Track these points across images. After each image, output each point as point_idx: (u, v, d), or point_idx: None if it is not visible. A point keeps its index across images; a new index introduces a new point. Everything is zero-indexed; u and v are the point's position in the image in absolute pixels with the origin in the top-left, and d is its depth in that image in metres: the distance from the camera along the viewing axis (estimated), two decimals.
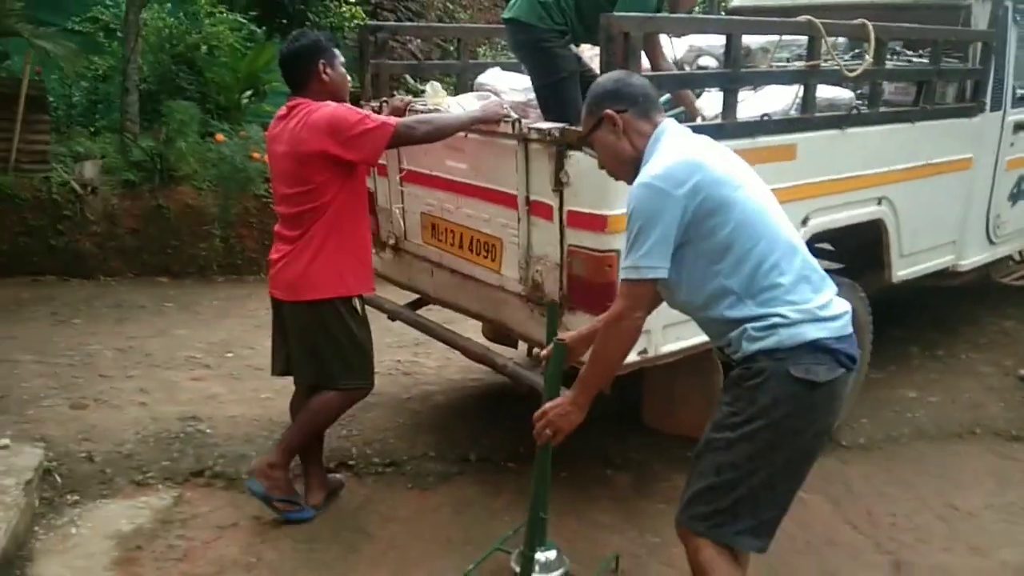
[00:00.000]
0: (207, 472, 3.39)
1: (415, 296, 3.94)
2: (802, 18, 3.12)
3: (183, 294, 6.05)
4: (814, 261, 2.08)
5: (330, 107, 2.84)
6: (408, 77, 6.19)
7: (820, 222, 3.39)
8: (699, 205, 1.94)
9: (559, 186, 2.77)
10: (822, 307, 1.99)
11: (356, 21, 9.86)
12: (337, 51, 2.99)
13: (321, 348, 3.00)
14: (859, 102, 3.52)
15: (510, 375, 3.16)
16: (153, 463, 3.41)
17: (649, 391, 3.48)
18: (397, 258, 3.82)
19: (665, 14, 3.14)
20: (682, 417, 3.39)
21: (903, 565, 3.03)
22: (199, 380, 4.32)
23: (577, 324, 2.80)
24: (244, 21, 8.74)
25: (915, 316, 5.28)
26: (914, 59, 3.94)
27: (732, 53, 2.89)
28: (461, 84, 4.16)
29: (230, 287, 6.38)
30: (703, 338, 3.03)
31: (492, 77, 4.03)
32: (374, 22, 3.72)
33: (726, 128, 2.94)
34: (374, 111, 3.65)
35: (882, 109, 3.57)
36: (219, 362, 4.62)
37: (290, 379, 3.25)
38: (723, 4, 5.29)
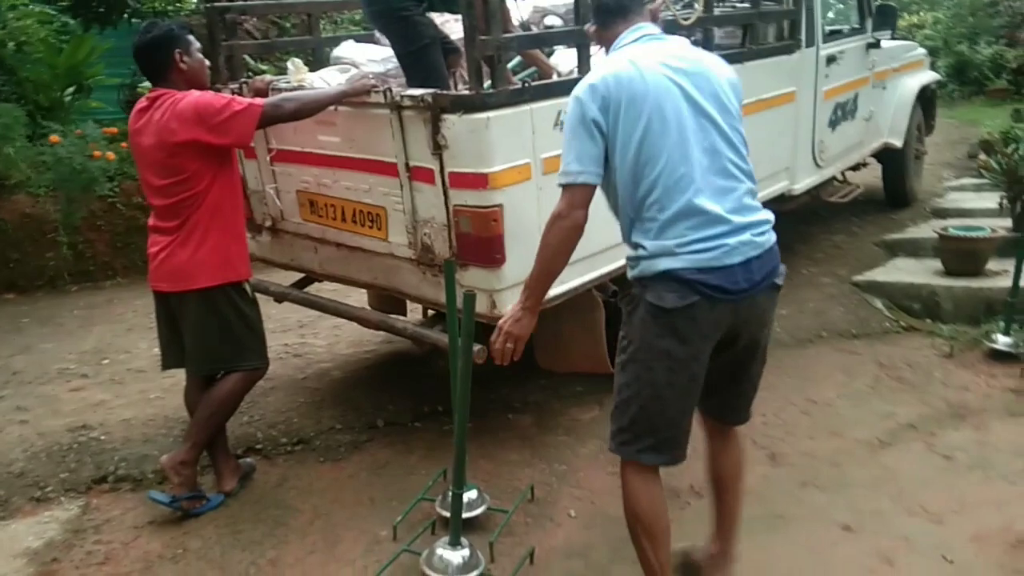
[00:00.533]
0: (110, 477, 3.32)
1: (299, 275, 3.96)
2: None
3: (38, 308, 5.71)
4: (730, 190, 2.15)
5: (194, 95, 2.83)
6: (248, 58, 6.04)
7: None
8: (611, 122, 2.10)
9: (438, 150, 2.89)
10: (689, 243, 2.09)
11: (178, 4, 9.43)
12: (192, 38, 2.95)
13: (216, 334, 3.01)
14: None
15: (411, 336, 3.29)
16: (50, 477, 3.30)
17: (539, 335, 3.68)
18: (276, 239, 3.82)
19: None
20: (571, 355, 3.65)
21: (777, 455, 3.43)
22: (79, 390, 4.16)
23: (471, 280, 2.96)
24: (54, 13, 8.16)
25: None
26: (737, 5, 4.31)
27: (581, 11, 3.10)
28: (317, 60, 4.17)
29: (87, 295, 6.07)
30: (582, 279, 3.31)
31: (348, 50, 4.07)
32: (220, 3, 3.61)
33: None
34: (235, 94, 3.63)
35: (715, 53, 3.90)
36: (96, 370, 4.44)
37: (178, 375, 3.24)
38: None
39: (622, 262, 3.43)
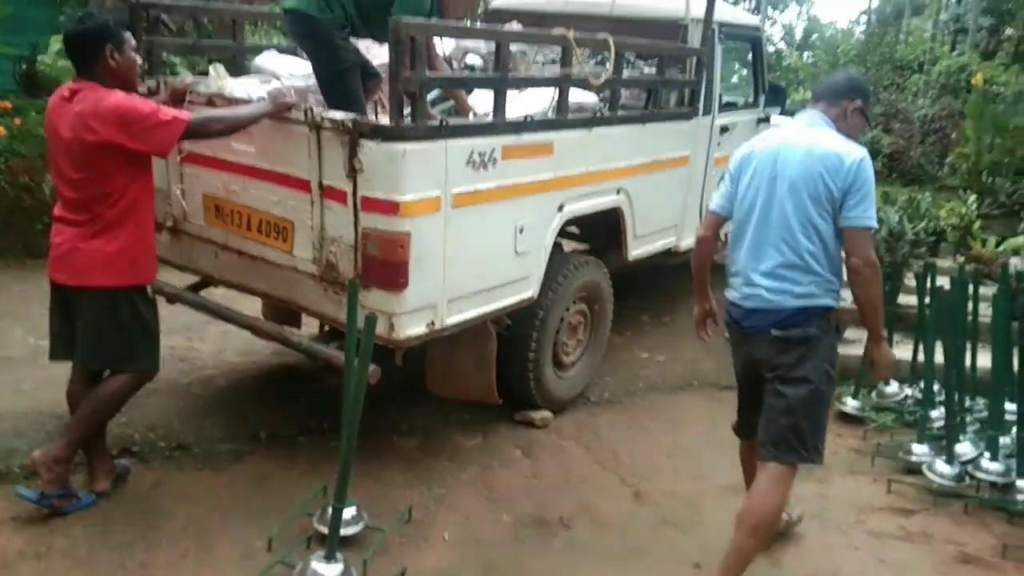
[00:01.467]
0: None
1: (194, 279, 3.94)
2: (557, 31, 3.59)
3: None
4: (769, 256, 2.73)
5: (119, 97, 2.81)
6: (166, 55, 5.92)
7: (572, 208, 3.91)
8: None
9: (353, 173, 2.99)
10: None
11: None
12: (128, 35, 2.93)
13: (111, 334, 2.98)
14: (601, 105, 4.10)
15: (306, 351, 3.34)
16: None
17: (431, 361, 3.81)
18: (175, 240, 3.80)
19: (437, 21, 3.46)
20: (462, 383, 3.79)
21: (641, 493, 3.66)
22: None
23: (373, 301, 3.06)
24: None
25: (645, 289, 6.13)
26: (644, 68, 4.62)
27: (502, 60, 3.28)
28: (237, 66, 4.18)
29: None
30: (481, 310, 3.47)
31: (270, 60, 4.11)
32: (143, 4, 3.59)
33: (496, 126, 3.34)
34: (151, 90, 3.61)
35: (620, 112, 4.18)
36: None
37: (54, 368, 3.18)
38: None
39: (517, 298, 3.65)
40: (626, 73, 4.30)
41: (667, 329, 5.72)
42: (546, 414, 4.15)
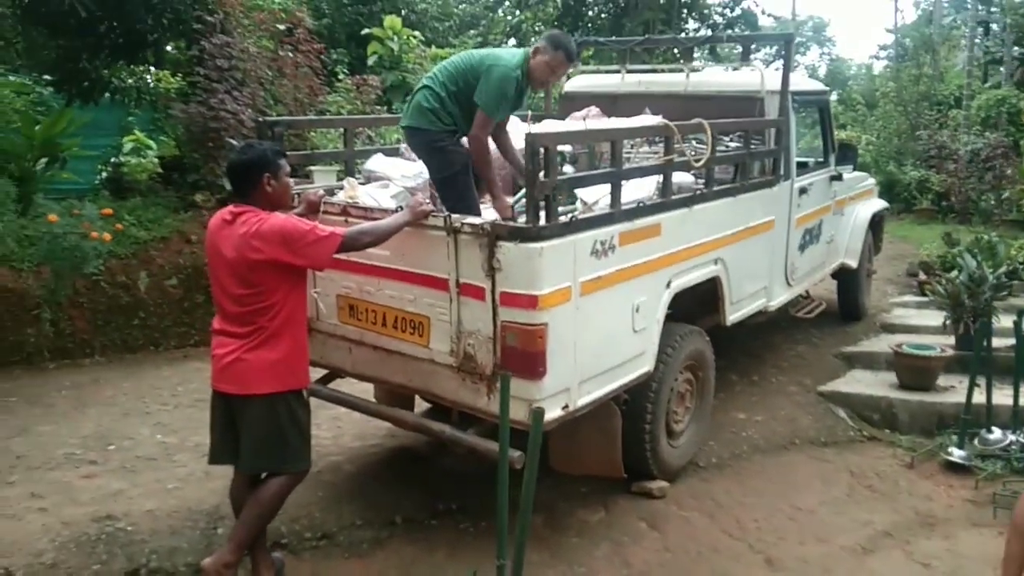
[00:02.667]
0: (142, 570, 3.39)
1: (324, 371, 4.15)
2: (660, 122, 3.81)
3: (21, 387, 5.65)
4: None
5: (279, 219, 3.04)
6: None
7: (679, 283, 4.08)
8: None
9: (491, 271, 3.20)
10: None
11: (163, 85, 9.67)
12: (283, 161, 3.18)
13: (273, 439, 3.14)
14: (699, 183, 4.29)
15: (449, 439, 3.50)
16: (82, 569, 3.34)
17: (555, 441, 3.94)
18: (309, 338, 4.01)
19: (563, 127, 3.69)
20: (588, 459, 3.92)
21: (773, 560, 3.73)
22: (92, 478, 4.17)
23: (513, 390, 3.20)
24: (30, 83, 8.30)
25: (729, 349, 6.23)
26: (729, 143, 4.82)
27: (617, 155, 3.50)
28: (348, 170, 4.46)
29: (69, 374, 6.03)
30: (606, 390, 3.62)
31: (379, 164, 4.39)
32: (271, 118, 3.90)
33: (614, 215, 3.54)
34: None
35: (714, 188, 4.36)
36: (104, 456, 4.46)
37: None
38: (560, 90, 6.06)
39: (637, 373, 3.79)
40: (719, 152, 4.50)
41: (757, 388, 5.80)
42: (663, 484, 4.24)
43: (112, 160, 8.07)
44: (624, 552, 3.71)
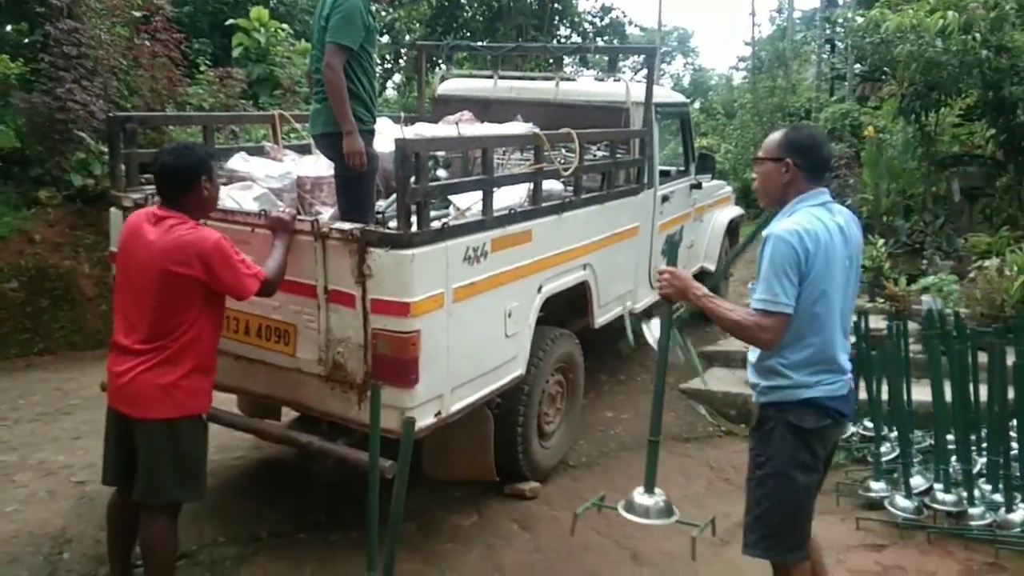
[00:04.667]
0: None
1: None
2: (530, 130, 3.87)
3: None
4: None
5: (212, 238, 2.84)
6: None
7: (549, 288, 4.16)
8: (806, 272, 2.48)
9: (362, 278, 3.14)
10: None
11: (1, 70, 8.91)
12: (216, 165, 3.02)
13: (170, 465, 2.91)
14: (568, 191, 4.39)
15: (318, 451, 3.41)
16: None
17: (428, 447, 3.92)
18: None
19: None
20: (460, 464, 3.93)
21: (639, 555, 3.86)
22: None
23: (385, 399, 3.16)
24: None
25: (597, 351, 6.40)
26: (596, 152, 4.95)
27: (488, 163, 3.53)
28: None
29: None
30: (480, 393, 3.64)
31: (241, 164, 4.21)
32: (122, 113, 3.66)
33: (486, 222, 3.57)
34: (137, 204, 3.66)
35: (583, 195, 4.47)
36: None
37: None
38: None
39: (509, 377, 3.84)
40: (587, 160, 4.61)
41: (624, 387, 6.00)
42: (535, 485, 4.31)
43: None
44: (497, 555, 3.74)
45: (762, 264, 2.52)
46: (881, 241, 8.06)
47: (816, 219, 2.54)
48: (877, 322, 6.03)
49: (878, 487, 4.41)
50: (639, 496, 3.03)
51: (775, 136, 2.73)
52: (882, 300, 6.86)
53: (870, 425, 5.00)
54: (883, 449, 4.63)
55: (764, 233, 2.60)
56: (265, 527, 3.82)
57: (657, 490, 3.03)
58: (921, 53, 8.19)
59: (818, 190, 2.63)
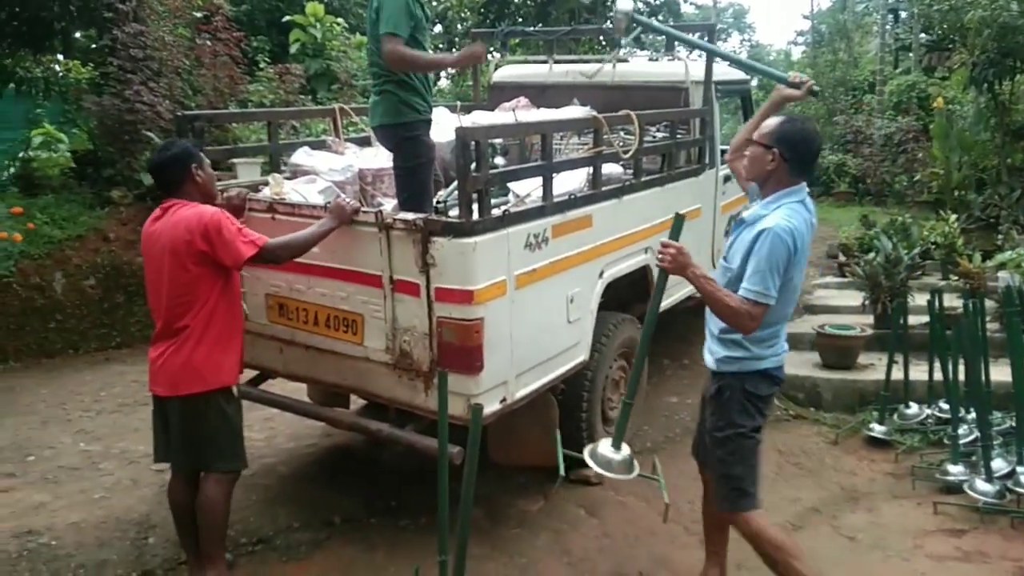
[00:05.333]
0: None
1: (255, 373, 4.05)
2: (588, 114, 3.83)
3: None
4: None
5: (209, 211, 3.01)
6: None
7: (611, 273, 4.13)
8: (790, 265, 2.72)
9: (425, 267, 3.17)
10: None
11: (73, 76, 9.25)
12: (203, 155, 3.16)
13: (201, 437, 3.11)
14: (628, 174, 4.34)
15: (387, 439, 3.46)
16: None
17: (494, 433, 3.95)
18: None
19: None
20: (526, 450, 3.94)
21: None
22: (11, 491, 3.99)
23: (451, 386, 3.20)
24: None
25: (660, 335, 6.33)
26: (656, 133, 4.89)
27: (547, 148, 3.51)
28: (273, 164, 4.35)
29: None
30: (543, 381, 3.64)
31: (305, 158, 4.28)
32: (191, 112, 3.78)
33: (546, 208, 3.56)
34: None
35: (643, 178, 4.42)
36: (23, 468, 4.27)
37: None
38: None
39: (572, 363, 3.83)
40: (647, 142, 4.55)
41: (688, 372, 5.93)
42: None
43: (20, 155, 7.68)
44: (564, 540, 3.76)
45: (758, 257, 2.68)
46: (953, 216, 7.78)
47: (800, 217, 2.75)
48: (951, 300, 5.83)
49: (956, 470, 4.27)
50: (605, 448, 3.02)
51: (771, 122, 2.86)
52: (956, 278, 6.63)
53: (946, 407, 4.85)
54: (960, 431, 4.48)
55: (760, 227, 2.71)
56: (337, 513, 3.90)
57: (624, 446, 3.02)
58: (995, 18, 7.84)
59: (800, 185, 2.82)
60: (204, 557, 3.15)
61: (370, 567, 3.50)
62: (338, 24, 10.93)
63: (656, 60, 6.48)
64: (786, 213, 2.74)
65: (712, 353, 2.98)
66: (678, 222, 2.85)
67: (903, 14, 18.26)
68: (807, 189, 2.86)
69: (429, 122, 3.59)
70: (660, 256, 2.79)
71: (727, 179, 5.61)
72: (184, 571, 3.33)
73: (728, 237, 3.01)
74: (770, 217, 2.74)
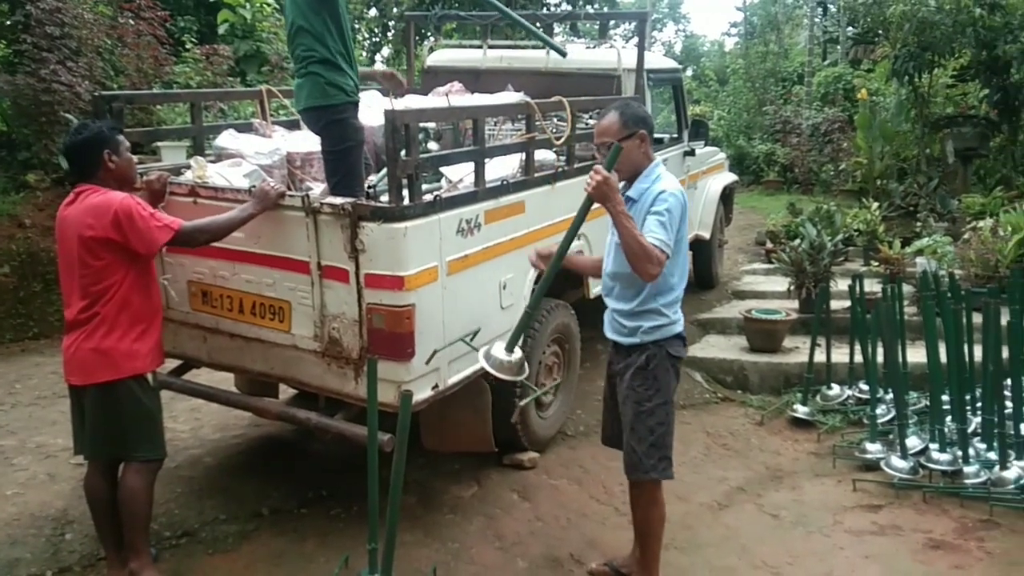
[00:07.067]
0: None
1: (177, 363, 3.94)
2: (521, 100, 3.82)
3: None
4: None
5: (117, 198, 2.91)
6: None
7: None
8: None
9: (355, 253, 3.12)
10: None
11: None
12: (121, 137, 3.03)
13: (113, 425, 3.03)
14: (560, 160, 4.36)
15: (316, 427, 3.40)
16: None
17: (426, 419, 3.93)
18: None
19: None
20: (459, 436, 3.93)
21: None
22: None
23: (381, 372, 3.16)
24: None
25: (593, 319, 6.40)
26: (588, 120, 4.91)
27: (479, 133, 3.49)
28: (197, 147, 4.22)
29: None
30: (477, 366, 3.62)
31: (230, 141, 4.16)
32: (106, 92, 3.62)
33: (479, 193, 3.54)
34: None
35: (575, 165, 4.44)
36: None
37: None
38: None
39: None
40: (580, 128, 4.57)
41: None
42: (533, 455, 4.33)
43: None
44: (497, 525, 3.77)
45: (657, 212, 2.82)
46: (875, 204, 8.06)
47: (676, 183, 2.96)
48: (872, 285, 6.05)
49: (874, 449, 4.44)
50: (498, 351, 3.04)
51: (613, 118, 2.95)
52: (876, 263, 6.88)
53: (865, 387, 5.04)
54: (879, 411, 4.66)
55: (655, 191, 2.87)
56: (266, 504, 3.83)
57: (517, 350, 3.06)
58: (914, 13, 8.13)
59: (656, 159, 3.03)
60: (127, 549, 3.06)
61: (299, 557, 3.45)
62: (268, 5, 10.64)
63: (591, 47, 6.51)
64: (668, 180, 2.93)
65: (626, 329, 3.04)
66: (615, 151, 2.84)
67: (831, 7, 18.78)
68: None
69: (357, 104, 3.52)
70: (588, 181, 2.81)
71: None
72: (103, 567, 3.23)
73: None
74: (657, 185, 2.90)
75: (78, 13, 7.37)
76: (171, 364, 3.94)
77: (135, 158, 3.14)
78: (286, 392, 4.53)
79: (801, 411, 5.10)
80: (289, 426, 4.37)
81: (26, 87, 6.84)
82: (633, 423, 3.05)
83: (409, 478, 4.13)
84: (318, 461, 4.30)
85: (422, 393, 3.30)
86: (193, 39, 9.42)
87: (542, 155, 4.19)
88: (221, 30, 10.06)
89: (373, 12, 14.86)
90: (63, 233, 2.96)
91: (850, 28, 16.54)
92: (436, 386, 3.39)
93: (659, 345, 2.98)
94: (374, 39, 15.52)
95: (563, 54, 5.27)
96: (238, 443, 4.50)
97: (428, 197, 3.26)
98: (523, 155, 3.93)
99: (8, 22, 8.02)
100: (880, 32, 9.97)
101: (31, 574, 3.22)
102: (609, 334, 3.13)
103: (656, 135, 6.06)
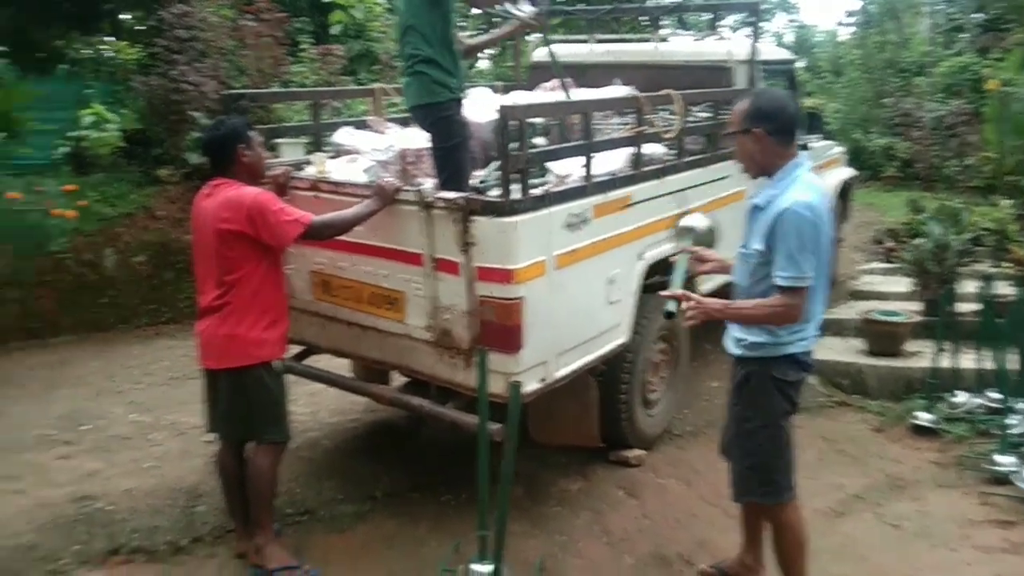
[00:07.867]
0: (123, 549, 3.38)
1: (299, 348, 4.12)
2: (630, 93, 3.80)
3: None
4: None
5: (252, 193, 3.07)
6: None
7: (651, 255, 4.09)
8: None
9: (466, 246, 3.19)
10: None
11: (122, 56, 9.40)
12: (254, 133, 3.21)
13: (242, 409, 3.21)
14: (669, 154, 4.30)
15: (428, 415, 3.50)
16: (62, 550, 3.33)
17: (534, 412, 3.97)
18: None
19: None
20: (566, 430, 3.96)
21: None
22: (67, 459, 4.14)
23: (491, 364, 3.22)
24: None
25: None
26: (698, 113, 4.82)
27: (588, 127, 3.50)
28: (316, 144, 4.40)
29: (36, 354, 5.95)
30: (583, 361, 3.64)
31: (347, 137, 4.32)
32: (235, 91, 3.83)
33: (587, 188, 3.54)
34: None
35: (685, 159, 4.37)
36: (77, 437, 4.42)
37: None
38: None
39: (613, 344, 3.82)
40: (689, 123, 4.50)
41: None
42: (640, 452, 4.30)
43: (72, 134, 7.86)
44: (604, 520, 3.77)
45: (784, 241, 2.57)
46: (1006, 202, 7.56)
47: (816, 187, 2.67)
48: (1003, 288, 5.68)
49: (1005, 461, 4.18)
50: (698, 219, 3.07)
51: (740, 106, 2.75)
52: (1008, 265, 6.45)
53: (995, 396, 4.74)
54: (1011, 421, 4.38)
55: (777, 208, 2.60)
56: (380, 487, 3.97)
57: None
58: None
59: (798, 155, 2.72)
60: (253, 525, 3.24)
61: (411, 540, 3.56)
62: (379, 5, 10.94)
63: (700, 39, 6.39)
64: (799, 188, 2.63)
65: (734, 340, 2.89)
66: (681, 265, 2.84)
67: None
68: (807, 158, 2.75)
69: (461, 101, 3.58)
70: (689, 315, 2.73)
71: None
72: (232, 539, 3.42)
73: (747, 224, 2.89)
74: (784, 197, 2.62)
75: (204, 16, 7.80)
76: (293, 349, 4.14)
77: (266, 154, 3.30)
78: (395, 379, 4.66)
79: (924, 418, 4.84)
80: (402, 412, 4.50)
81: (158, 87, 7.31)
82: (735, 441, 2.94)
83: (517, 469, 4.13)
84: (430, 448, 4.41)
85: (530, 385, 3.34)
86: (308, 39, 9.80)
87: (651, 149, 4.15)
88: (334, 31, 10.42)
89: (476, 11, 15.03)
90: (199, 223, 3.14)
91: (978, 15, 15.53)
92: (543, 379, 3.42)
93: (761, 363, 2.78)
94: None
95: None
96: (354, 427, 4.67)
97: (538, 191, 3.28)
98: (631, 149, 3.90)
99: (143, 27, 8.59)
100: (1013, 17, 9.31)
101: (168, 541, 3.45)
102: (724, 339, 3.03)
103: None
